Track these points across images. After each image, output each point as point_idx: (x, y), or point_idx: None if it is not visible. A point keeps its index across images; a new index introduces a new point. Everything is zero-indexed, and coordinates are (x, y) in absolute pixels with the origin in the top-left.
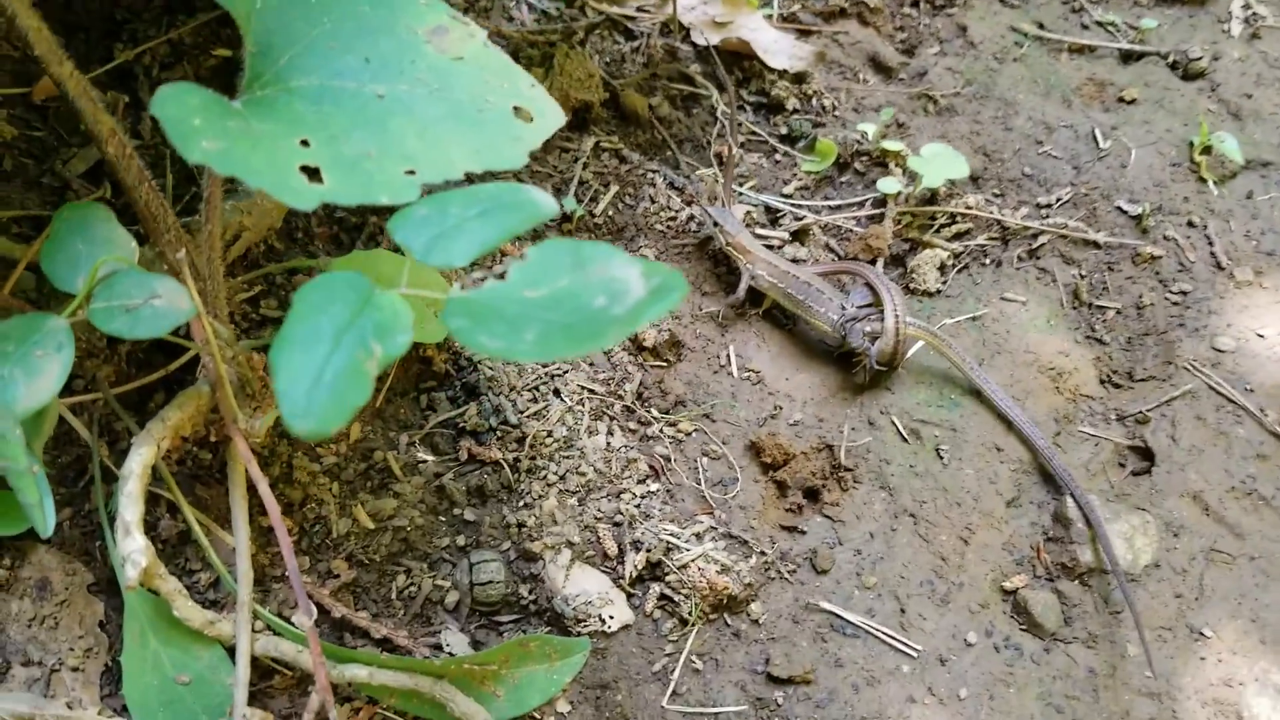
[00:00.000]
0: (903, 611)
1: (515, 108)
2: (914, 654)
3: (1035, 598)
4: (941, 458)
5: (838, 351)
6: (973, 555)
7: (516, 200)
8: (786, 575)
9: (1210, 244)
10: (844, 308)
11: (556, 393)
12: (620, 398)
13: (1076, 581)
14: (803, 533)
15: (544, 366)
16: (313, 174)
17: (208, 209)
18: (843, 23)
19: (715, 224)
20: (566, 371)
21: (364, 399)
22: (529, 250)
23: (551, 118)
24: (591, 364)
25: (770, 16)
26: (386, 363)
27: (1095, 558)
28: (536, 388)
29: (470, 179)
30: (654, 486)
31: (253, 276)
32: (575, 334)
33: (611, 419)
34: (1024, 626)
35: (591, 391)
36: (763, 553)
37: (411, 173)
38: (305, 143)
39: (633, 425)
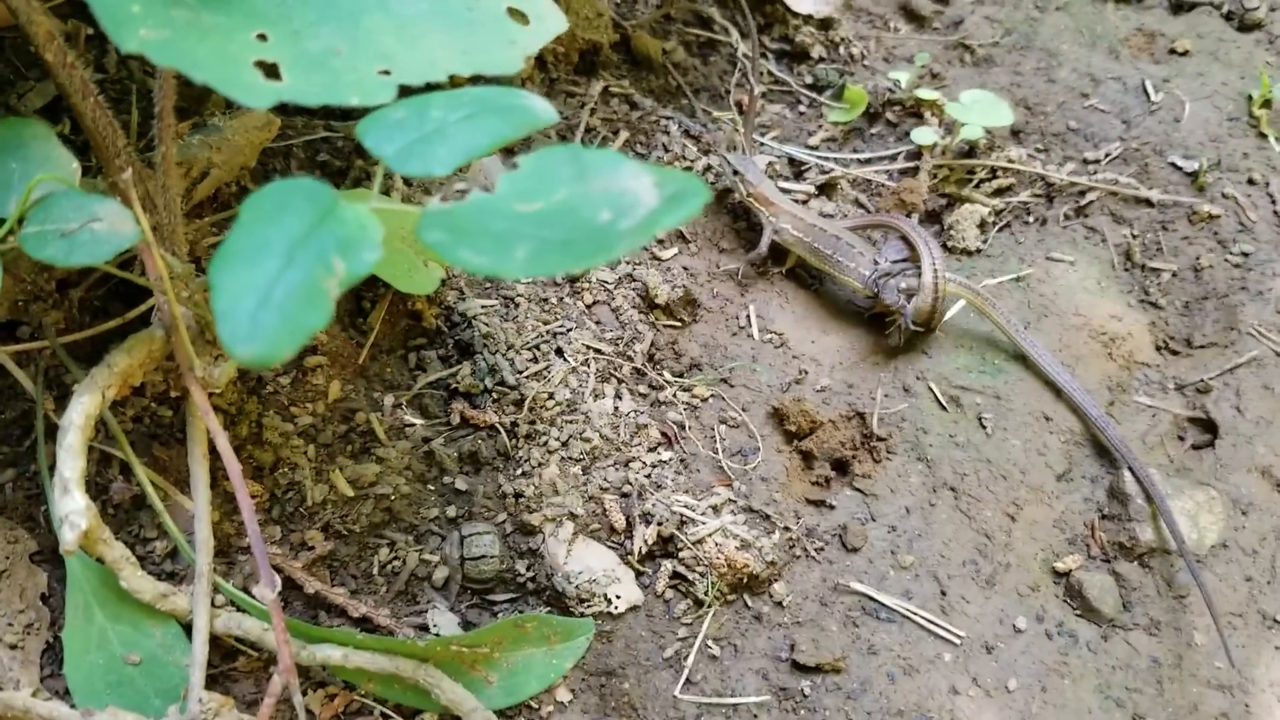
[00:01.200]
0: (943, 594)
1: (510, 9)
2: (956, 641)
3: (1091, 580)
4: (984, 427)
5: (869, 312)
6: (1020, 533)
7: (508, 104)
8: (813, 553)
9: (1273, 202)
10: (876, 262)
11: (559, 352)
12: (630, 359)
13: (1136, 563)
14: (831, 507)
15: (545, 324)
16: (270, 71)
17: (160, 127)
18: None
19: (735, 173)
20: (570, 330)
21: (322, 322)
22: (522, 159)
23: (551, 22)
24: (599, 322)
25: None
26: (350, 282)
27: (1156, 536)
28: (537, 346)
29: (455, 84)
30: (666, 455)
31: (222, 218)
32: (575, 250)
33: (620, 381)
34: (1079, 611)
35: (598, 351)
36: (787, 528)
37: (386, 73)
38: (263, 37)
39: (643, 389)
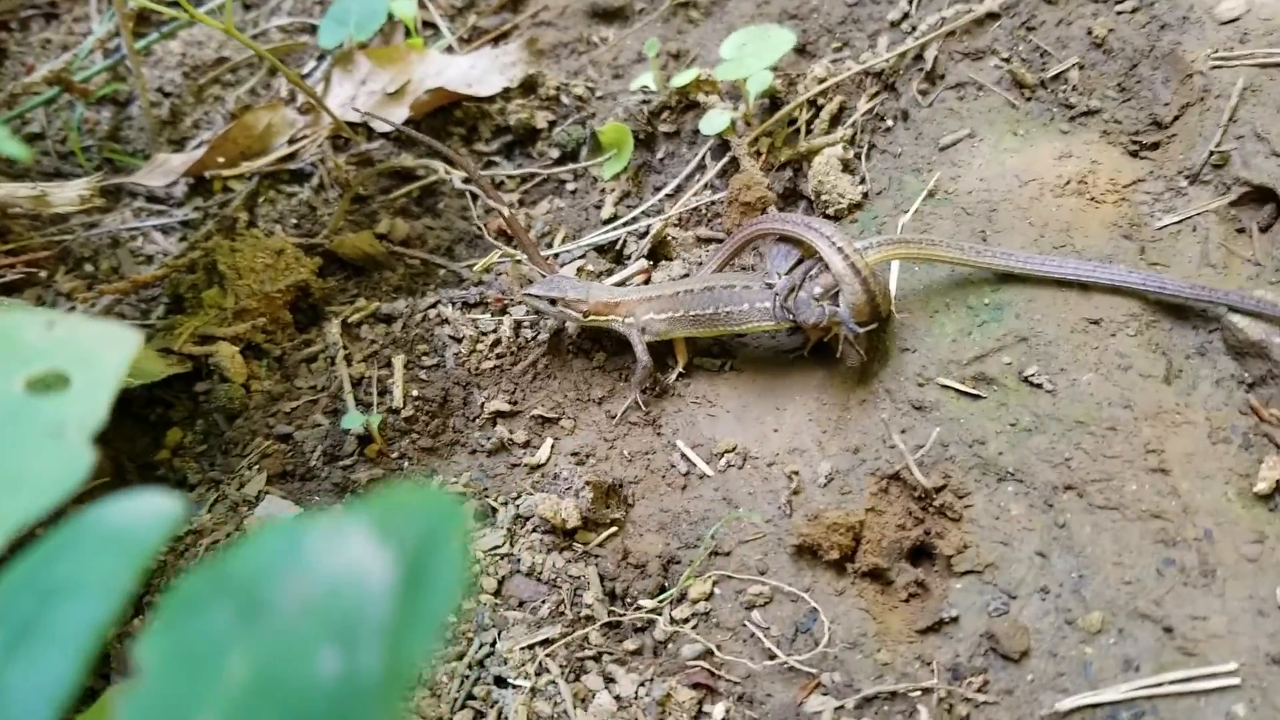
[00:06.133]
0: (1168, 631)
1: (28, 382)
2: (1235, 680)
3: None
4: (1039, 385)
5: (807, 348)
6: (1189, 483)
7: (79, 559)
8: (978, 697)
9: None
10: (770, 285)
11: (500, 682)
12: (590, 620)
13: None
14: (953, 621)
15: (460, 659)
16: None
17: None
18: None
19: (553, 302)
20: (494, 641)
21: None
22: (140, 654)
23: (113, 350)
24: (521, 603)
25: (450, 48)
26: None
27: None
28: (469, 697)
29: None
30: (717, 710)
31: None
32: None
33: (596, 659)
34: None
35: (546, 643)
36: (925, 689)
37: None
38: None
39: (630, 645)
